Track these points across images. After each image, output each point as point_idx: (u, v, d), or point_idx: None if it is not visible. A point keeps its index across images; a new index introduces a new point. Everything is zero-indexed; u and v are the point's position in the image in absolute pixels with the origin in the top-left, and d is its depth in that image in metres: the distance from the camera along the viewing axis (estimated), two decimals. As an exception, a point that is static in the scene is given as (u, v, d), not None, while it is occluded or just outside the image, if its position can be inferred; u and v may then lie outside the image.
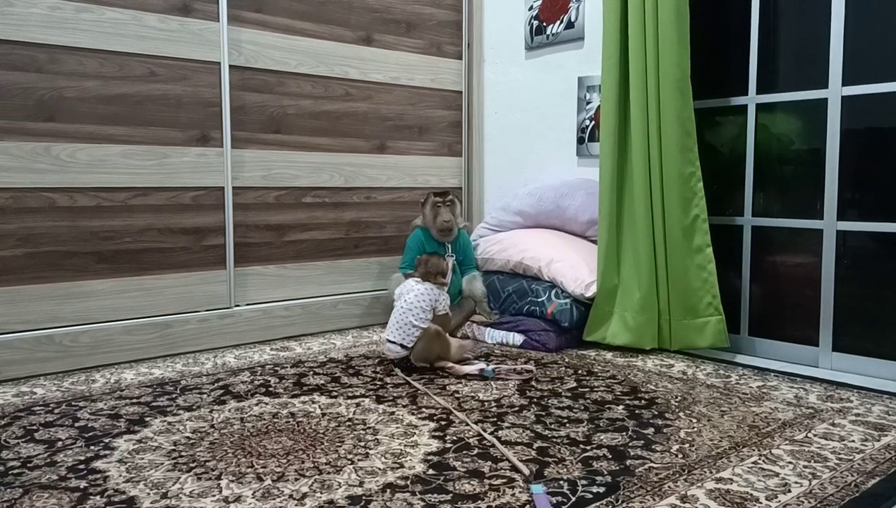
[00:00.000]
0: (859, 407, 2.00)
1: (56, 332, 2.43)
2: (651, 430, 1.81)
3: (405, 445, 1.71)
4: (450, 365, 2.36)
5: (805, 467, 1.58)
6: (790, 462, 1.61)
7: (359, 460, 1.62)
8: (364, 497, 1.43)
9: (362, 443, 1.72)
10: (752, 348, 2.68)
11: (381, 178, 3.27)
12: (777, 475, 1.54)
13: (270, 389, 2.19)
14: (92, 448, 1.70)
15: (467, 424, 1.86)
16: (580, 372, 2.38)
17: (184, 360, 2.57)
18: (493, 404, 2.03)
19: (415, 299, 2.38)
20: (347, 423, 1.87)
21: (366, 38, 3.17)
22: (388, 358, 2.43)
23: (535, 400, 2.07)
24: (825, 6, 2.42)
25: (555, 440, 1.75)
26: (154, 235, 2.64)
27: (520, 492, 1.45)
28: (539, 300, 2.77)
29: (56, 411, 1.99)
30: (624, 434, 1.79)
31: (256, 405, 2.03)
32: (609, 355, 2.62)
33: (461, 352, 2.44)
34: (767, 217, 2.64)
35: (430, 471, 1.55)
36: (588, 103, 3.11)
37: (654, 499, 1.42)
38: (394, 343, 2.37)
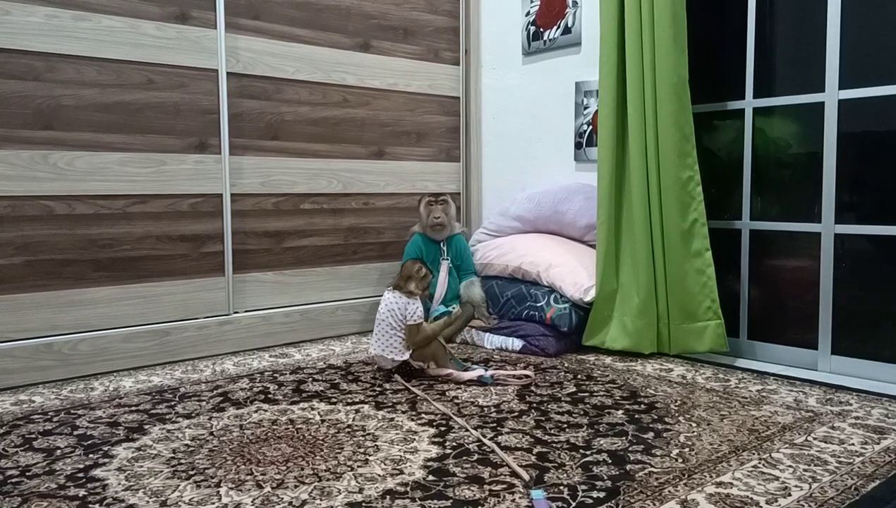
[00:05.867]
0: (859, 410, 2.00)
1: (55, 340, 2.43)
2: (651, 435, 1.81)
3: (405, 451, 1.71)
4: (446, 371, 2.36)
5: (805, 470, 1.58)
6: (790, 466, 1.60)
7: (358, 466, 1.62)
8: (364, 504, 1.42)
9: (362, 450, 1.72)
10: (752, 352, 2.68)
11: (380, 184, 3.27)
12: (777, 478, 1.54)
13: (269, 396, 2.19)
14: (91, 456, 1.70)
15: (467, 430, 1.85)
16: (579, 376, 2.38)
17: (183, 367, 2.57)
18: (493, 409, 2.03)
19: (385, 309, 2.38)
20: (347, 430, 1.87)
21: (363, 44, 3.17)
22: (386, 368, 2.42)
23: (534, 405, 2.07)
24: (822, 10, 2.43)
25: (555, 445, 1.74)
26: (152, 242, 2.64)
27: (520, 498, 1.45)
28: (538, 305, 2.77)
29: (55, 419, 1.98)
30: (624, 438, 1.79)
31: (255, 412, 2.03)
32: (608, 359, 2.62)
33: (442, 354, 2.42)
34: (765, 220, 2.65)
35: (430, 477, 1.55)
36: (586, 108, 3.11)
37: (654, 504, 1.42)
38: (378, 355, 2.38)
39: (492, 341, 2.83)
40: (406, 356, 2.35)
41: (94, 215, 2.51)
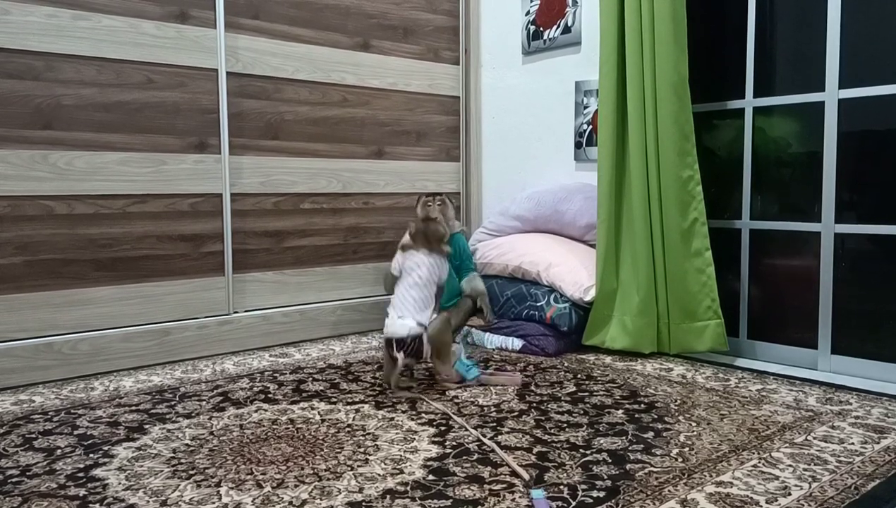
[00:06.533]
0: (858, 410, 2.00)
1: (55, 340, 2.43)
2: (651, 434, 1.81)
3: (405, 451, 1.71)
4: (445, 374, 2.27)
5: (805, 470, 1.58)
6: (790, 465, 1.60)
7: (358, 466, 1.62)
8: (364, 504, 1.42)
9: (362, 449, 1.72)
10: (752, 351, 2.68)
11: (379, 184, 3.27)
12: (777, 478, 1.54)
13: (269, 396, 2.19)
14: (91, 455, 1.70)
15: (467, 429, 1.85)
16: (579, 376, 2.38)
17: (183, 367, 2.57)
18: (493, 409, 2.03)
19: (427, 274, 2.27)
20: (347, 429, 1.87)
21: (363, 43, 3.17)
22: (398, 335, 2.18)
23: (534, 404, 2.07)
24: (822, 9, 2.43)
25: (554, 444, 1.74)
26: (152, 242, 2.64)
27: (520, 497, 1.45)
28: (538, 304, 2.77)
29: (55, 419, 1.98)
30: (624, 438, 1.79)
31: (255, 411, 2.03)
32: (608, 359, 2.62)
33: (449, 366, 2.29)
34: (765, 220, 2.65)
35: (430, 477, 1.55)
36: (586, 108, 3.11)
37: (654, 503, 1.42)
38: (407, 319, 2.20)
39: (492, 341, 2.83)
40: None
41: (93, 215, 2.51)
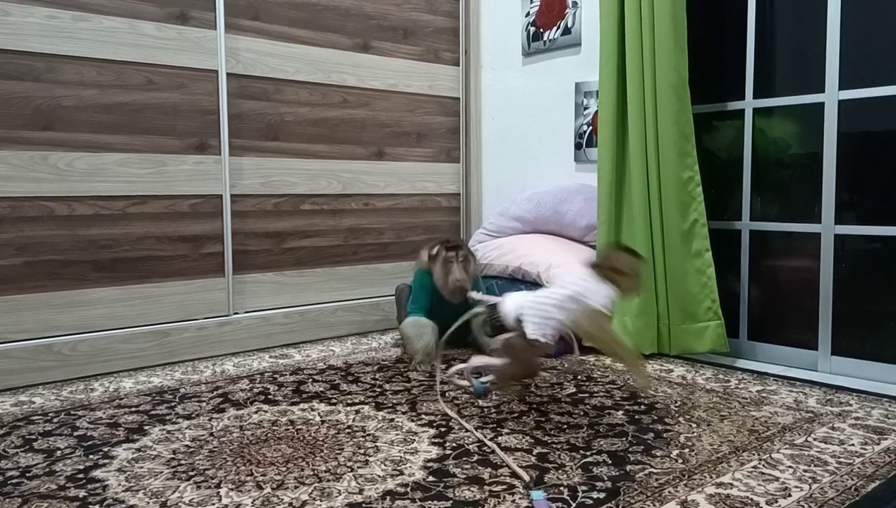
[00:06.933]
0: (859, 411, 2.00)
1: (55, 341, 2.43)
2: (651, 435, 1.81)
3: (405, 452, 1.71)
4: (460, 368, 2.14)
5: (805, 471, 1.58)
6: (790, 467, 1.60)
7: (358, 467, 1.62)
8: (364, 505, 1.42)
9: (362, 450, 1.72)
10: (752, 352, 2.68)
11: (380, 185, 3.27)
12: (777, 479, 1.54)
13: (269, 397, 2.19)
14: (91, 457, 1.70)
15: (467, 430, 1.85)
16: (580, 377, 2.38)
17: (183, 368, 2.57)
18: (493, 410, 2.03)
19: (580, 292, 1.86)
20: (347, 430, 1.87)
21: (363, 45, 3.17)
22: (500, 303, 1.93)
23: (534, 405, 2.07)
24: (822, 10, 2.43)
25: (555, 445, 1.74)
26: (152, 243, 2.64)
27: (520, 498, 1.45)
28: (538, 305, 2.77)
29: (55, 420, 1.98)
30: (624, 439, 1.79)
31: (255, 413, 2.03)
32: (608, 360, 2.61)
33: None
34: (765, 221, 2.65)
35: (430, 478, 1.55)
36: (586, 109, 3.11)
37: (654, 504, 1.42)
38: (521, 315, 1.87)
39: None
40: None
41: (93, 216, 2.51)
